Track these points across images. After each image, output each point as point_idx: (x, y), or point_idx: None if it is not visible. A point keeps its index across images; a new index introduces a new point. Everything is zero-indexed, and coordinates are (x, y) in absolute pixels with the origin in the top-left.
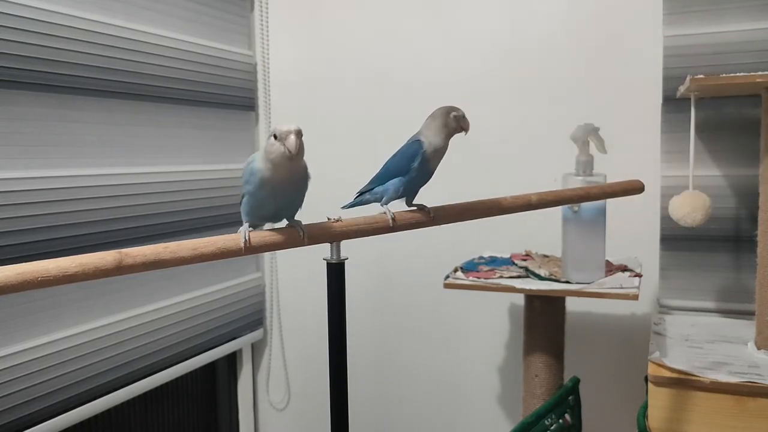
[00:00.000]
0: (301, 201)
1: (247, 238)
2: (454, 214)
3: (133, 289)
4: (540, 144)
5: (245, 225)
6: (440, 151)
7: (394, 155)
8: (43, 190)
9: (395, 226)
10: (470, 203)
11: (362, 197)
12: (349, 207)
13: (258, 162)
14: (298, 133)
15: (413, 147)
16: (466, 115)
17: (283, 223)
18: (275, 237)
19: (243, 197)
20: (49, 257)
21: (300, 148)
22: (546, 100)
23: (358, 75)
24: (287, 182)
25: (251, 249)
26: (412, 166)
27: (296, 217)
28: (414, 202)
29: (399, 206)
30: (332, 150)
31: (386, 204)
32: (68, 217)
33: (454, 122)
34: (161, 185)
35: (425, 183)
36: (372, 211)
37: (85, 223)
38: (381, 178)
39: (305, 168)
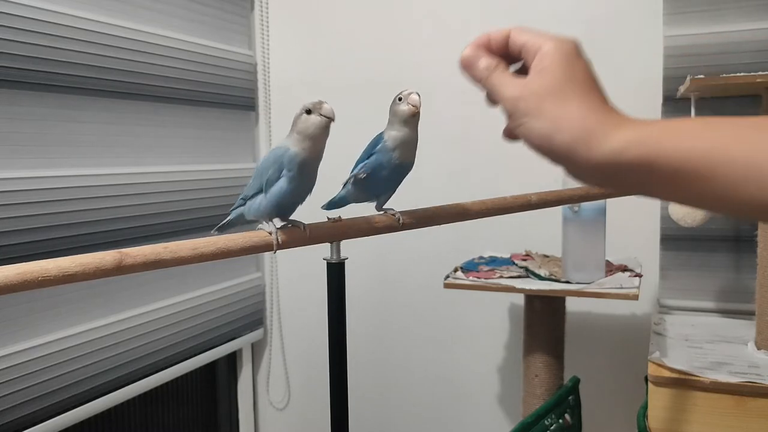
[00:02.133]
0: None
1: (278, 237)
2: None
3: (133, 289)
4: None
5: (271, 224)
6: (406, 142)
7: (365, 149)
8: (43, 190)
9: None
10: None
11: (337, 199)
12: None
13: (292, 147)
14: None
15: (375, 139)
16: (415, 93)
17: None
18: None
19: (252, 197)
20: (49, 257)
21: (334, 114)
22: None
23: (358, 75)
24: (319, 157)
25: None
26: (373, 151)
27: (296, 217)
28: (384, 206)
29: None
30: (332, 150)
31: (347, 182)
32: (68, 217)
33: (403, 105)
34: (161, 185)
35: (397, 180)
36: (372, 211)
37: (85, 223)
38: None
39: None
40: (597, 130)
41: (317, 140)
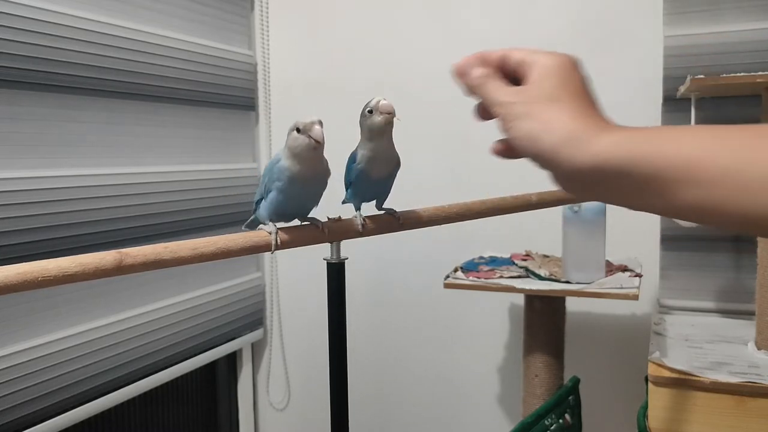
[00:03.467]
0: (320, 197)
1: (277, 238)
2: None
3: (133, 289)
4: None
5: (271, 224)
6: (379, 156)
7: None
8: (43, 190)
9: (365, 231)
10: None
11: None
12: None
13: (284, 159)
14: (321, 123)
15: (349, 160)
16: (384, 99)
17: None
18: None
19: (261, 199)
20: (49, 257)
21: (323, 139)
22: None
23: (358, 75)
24: (313, 176)
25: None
26: (350, 179)
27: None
28: (384, 205)
29: (372, 209)
30: (332, 150)
31: (358, 209)
32: (68, 217)
33: (376, 117)
34: (161, 185)
35: (384, 187)
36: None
37: (85, 223)
38: (345, 183)
39: (326, 162)
40: (583, 133)
41: (305, 160)
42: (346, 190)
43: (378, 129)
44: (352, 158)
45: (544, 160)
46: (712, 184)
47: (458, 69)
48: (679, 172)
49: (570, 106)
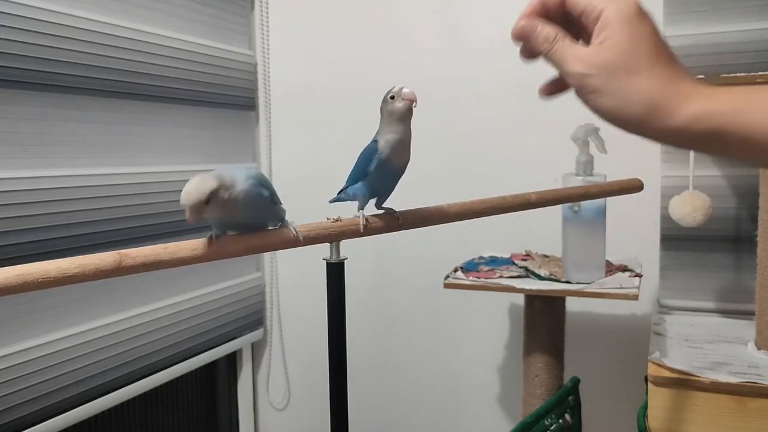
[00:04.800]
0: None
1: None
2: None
3: (133, 289)
4: (540, 144)
5: (361, 211)
6: (401, 144)
7: (358, 157)
8: (43, 190)
9: (365, 231)
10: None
11: (339, 195)
12: (333, 201)
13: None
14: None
15: (369, 150)
16: (407, 87)
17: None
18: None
19: (351, 184)
20: (49, 257)
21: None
22: (546, 100)
23: (358, 75)
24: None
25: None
26: (369, 170)
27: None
28: (384, 205)
29: (371, 208)
30: (332, 150)
31: (362, 209)
32: (68, 217)
33: (398, 103)
34: (161, 185)
35: (395, 180)
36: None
37: (85, 223)
38: (351, 179)
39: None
40: (666, 104)
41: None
42: (354, 184)
43: (400, 115)
44: (372, 148)
45: (630, 129)
46: None
47: (521, 31)
48: (766, 134)
49: (646, 73)
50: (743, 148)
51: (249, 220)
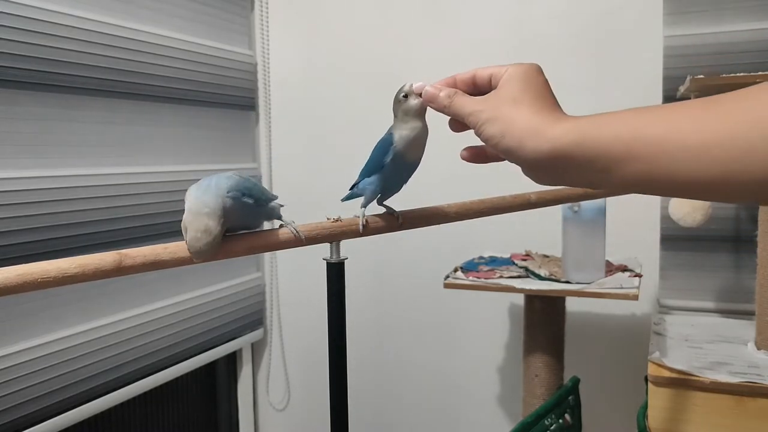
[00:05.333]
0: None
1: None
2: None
3: (133, 289)
4: None
5: (362, 210)
6: (417, 139)
7: (373, 149)
8: (43, 190)
9: (365, 231)
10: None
11: (352, 191)
12: (346, 199)
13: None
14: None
15: (385, 141)
16: (415, 82)
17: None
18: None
19: (363, 179)
20: (49, 257)
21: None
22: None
23: (358, 74)
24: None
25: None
26: (385, 162)
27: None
28: (385, 203)
29: (371, 207)
30: (332, 150)
31: (365, 206)
32: (68, 217)
33: (411, 100)
34: (161, 185)
35: (408, 176)
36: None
37: (85, 223)
38: (363, 173)
39: None
40: (540, 126)
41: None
42: (366, 178)
43: (415, 112)
44: (387, 139)
45: (512, 154)
46: (649, 158)
47: (427, 96)
48: (619, 151)
49: (531, 104)
50: (599, 163)
51: (241, 227)
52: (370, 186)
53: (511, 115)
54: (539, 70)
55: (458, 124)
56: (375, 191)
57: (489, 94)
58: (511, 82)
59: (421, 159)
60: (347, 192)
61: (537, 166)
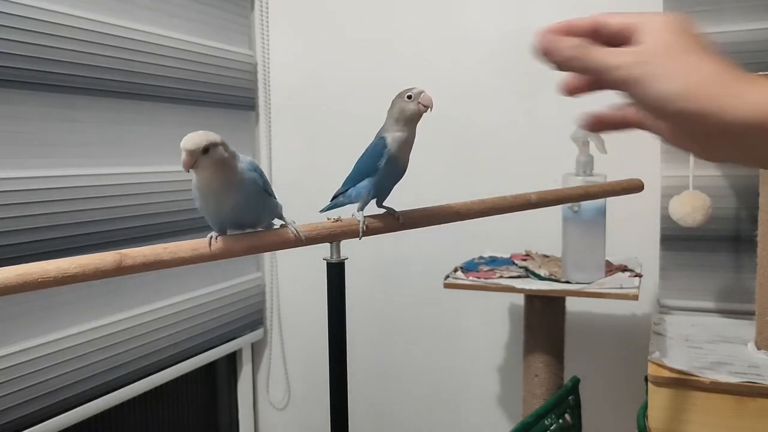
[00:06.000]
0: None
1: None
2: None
3: (133, 289)
4: (540, 144)
5: (360, 213)
6: (407, 143)
7: (362, 155)
8: (43, 190)
9: (365, 232)
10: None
11: (336, 200)
12: (325, 210)
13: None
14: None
15: (378, 146)
16: (426, 92)
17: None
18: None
19: (353, 184)
20: (49, 257)
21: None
22: (546, 100)
23: (358, 75)
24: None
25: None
26: (378, 166)
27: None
28: (384, 204)
29: (371, 208)
30: (332, 150)
31: (362, 210)
32: (68, 217)
33: (412, 104)
34: (161, 185)
35: (398, 179)
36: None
37: (85, 223)
38: (352, 180)
39: None
40: (737, 85)
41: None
42: (356, 183)
43: (411, 115)
44: (381, 144)
45: (696, 117)
46: None
47: (544, 46)
48: None
49: (710, 58)
50: None
51: (242, 207)
52: (364, 190)
53: (688, 69)
54: (691, 22)
55: (581, 84)
56: (370, 194)
57: (636, 46)
58: (666, 32)
59: (407, 165)
60: (328, 203)
61: (731, 131)
